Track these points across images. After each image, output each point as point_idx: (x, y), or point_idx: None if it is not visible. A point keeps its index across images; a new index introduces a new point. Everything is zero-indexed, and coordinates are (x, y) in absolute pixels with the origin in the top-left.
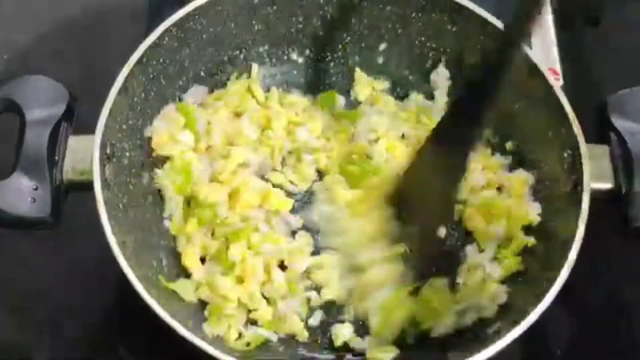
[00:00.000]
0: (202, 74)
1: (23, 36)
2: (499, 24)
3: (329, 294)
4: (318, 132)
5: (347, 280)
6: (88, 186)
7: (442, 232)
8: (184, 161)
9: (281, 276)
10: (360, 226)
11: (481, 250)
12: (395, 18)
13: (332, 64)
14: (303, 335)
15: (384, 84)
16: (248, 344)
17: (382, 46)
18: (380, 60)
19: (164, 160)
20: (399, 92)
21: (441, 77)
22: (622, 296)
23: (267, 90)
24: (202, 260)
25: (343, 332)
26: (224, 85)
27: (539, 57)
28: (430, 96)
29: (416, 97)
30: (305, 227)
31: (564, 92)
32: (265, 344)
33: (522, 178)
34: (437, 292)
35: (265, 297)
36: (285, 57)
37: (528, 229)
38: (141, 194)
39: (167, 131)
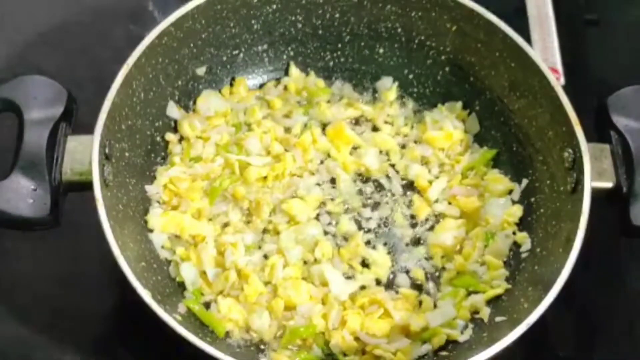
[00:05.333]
0: (201, 73)
1: (22, 36)
2: (500, 23)
3: None
4: None
5: None
6: (87, 186)
7: None
8: None
9: None
10: None
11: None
12: (395, 17)
13: (331, 63)
14: None
15: None
16: None
17: (382, 45)
18: (380, 59)
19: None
20: (399, 92)
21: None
22: (622, 296)
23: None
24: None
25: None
26: (223, 85)
27: (540, 57)
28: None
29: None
30: None
31: (565, 91)
32: None
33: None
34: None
35: None
36: (285, 57)
37: (527, 228)
38: (140, 193)
39: None
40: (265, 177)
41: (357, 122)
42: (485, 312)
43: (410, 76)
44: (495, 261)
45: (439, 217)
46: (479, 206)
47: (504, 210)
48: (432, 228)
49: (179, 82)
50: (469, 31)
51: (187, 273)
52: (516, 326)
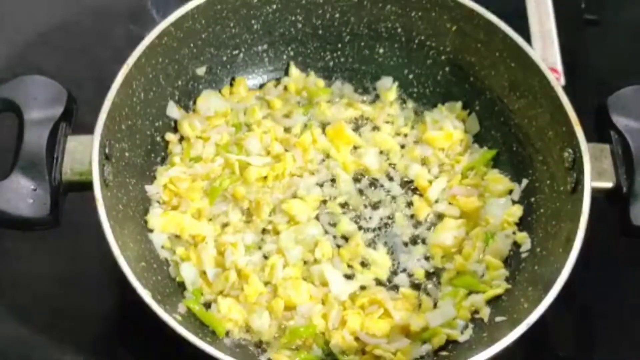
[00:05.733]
0: (201, 73)
1: (22, 36)
2: (500, 23)
3: None
4: None
5: None
6: (87, 186)
7: None
8: None
9: None
10: None
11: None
12: (395, 17)
13: (331, 63)
14: None
15: None
16: None
17: (382, 45)
18: (380, 59)
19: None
20: (399, 92)
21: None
22: (622, 296)
23: (261, 86)
24: None
25: None
26: (223, 85)
27: (540, 57)
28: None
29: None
30: None
31: (565, 91)
32: None
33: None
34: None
35: None
36: (285, 57)
37: (527, 228)
38: (140, 193)
39: None
40: (265, 177)
41: (357, 122)
42: (485, 312)
43: (410, 76)
44: (495, 261)
45: (439, 217)
46: (479, 206)
47: (504, 210)
48: (432, 228)
49: (179, 82)
50: (469, 31)
51: (187, 273)
52: (516, 326)
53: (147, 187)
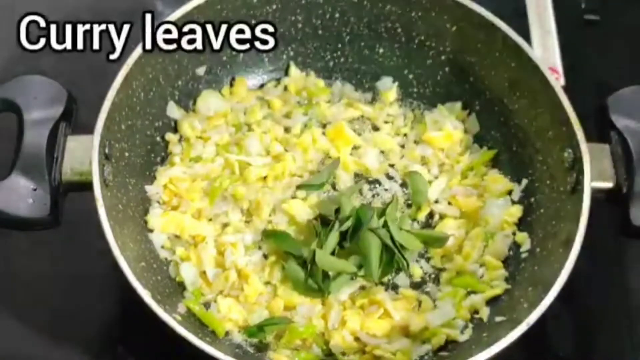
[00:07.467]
0: (201, 73)
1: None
2: (500, 23)
3: None
4: None
5: None
6: (87, 186)
7: None
8: None
9: None
10: None
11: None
12: (395, 17)
13: (331, 63)
14: None
15: None
16: None
17: (382, 45)
18: (380, 59)
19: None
20: (399, 92)
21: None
22: (622, 296)
23: (261, 86)
24: None
25: None
26: (223, 85)
27: (540, 57)
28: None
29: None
30: None
31: (564, 91)
32: None
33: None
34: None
35: None
36: (285, 57)
37: (527, 228)
38: (140, 193)
39: None
40: (265, 177)
41: (357, 122)
42: (484, 312)
43: (410, 76)
44: (494, 261)
45: (438, 217)
46: (479, 206)
47: (503, 210)
48: (432, 228)
49: (179, 82)
50: (469, 31)
51: (187, 273)
52: (516, 326)
53: (147, 187)
